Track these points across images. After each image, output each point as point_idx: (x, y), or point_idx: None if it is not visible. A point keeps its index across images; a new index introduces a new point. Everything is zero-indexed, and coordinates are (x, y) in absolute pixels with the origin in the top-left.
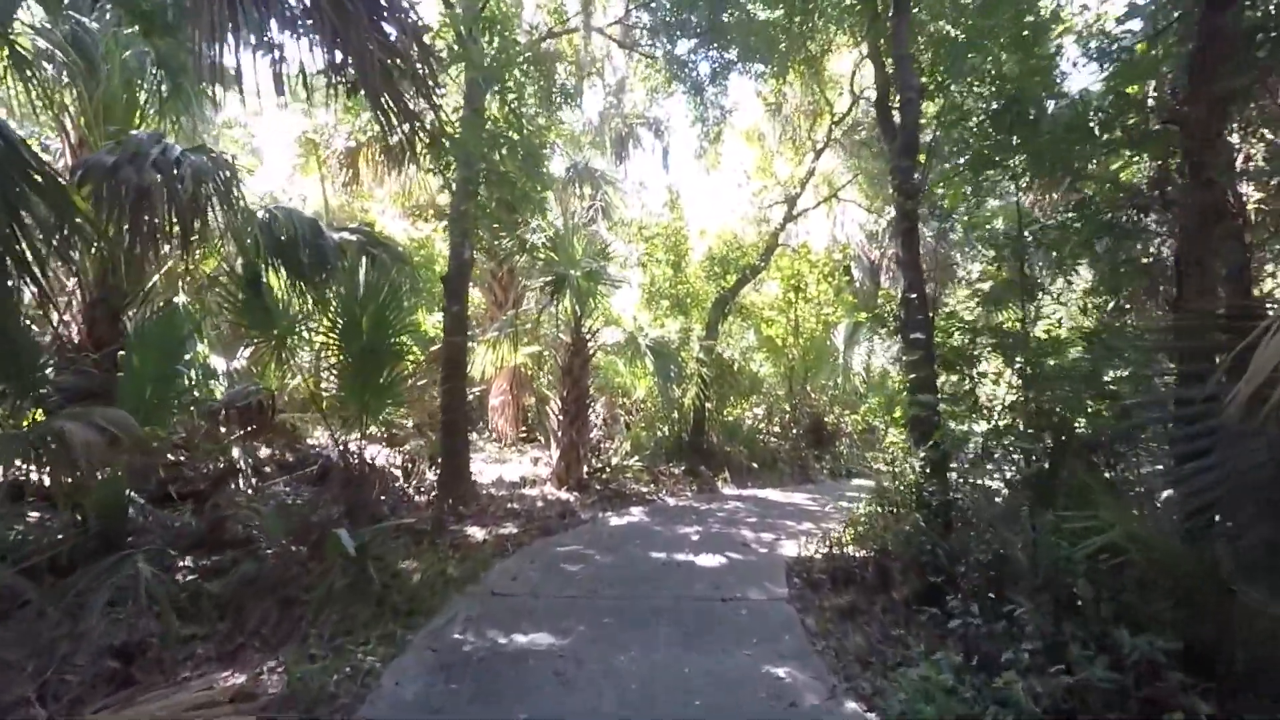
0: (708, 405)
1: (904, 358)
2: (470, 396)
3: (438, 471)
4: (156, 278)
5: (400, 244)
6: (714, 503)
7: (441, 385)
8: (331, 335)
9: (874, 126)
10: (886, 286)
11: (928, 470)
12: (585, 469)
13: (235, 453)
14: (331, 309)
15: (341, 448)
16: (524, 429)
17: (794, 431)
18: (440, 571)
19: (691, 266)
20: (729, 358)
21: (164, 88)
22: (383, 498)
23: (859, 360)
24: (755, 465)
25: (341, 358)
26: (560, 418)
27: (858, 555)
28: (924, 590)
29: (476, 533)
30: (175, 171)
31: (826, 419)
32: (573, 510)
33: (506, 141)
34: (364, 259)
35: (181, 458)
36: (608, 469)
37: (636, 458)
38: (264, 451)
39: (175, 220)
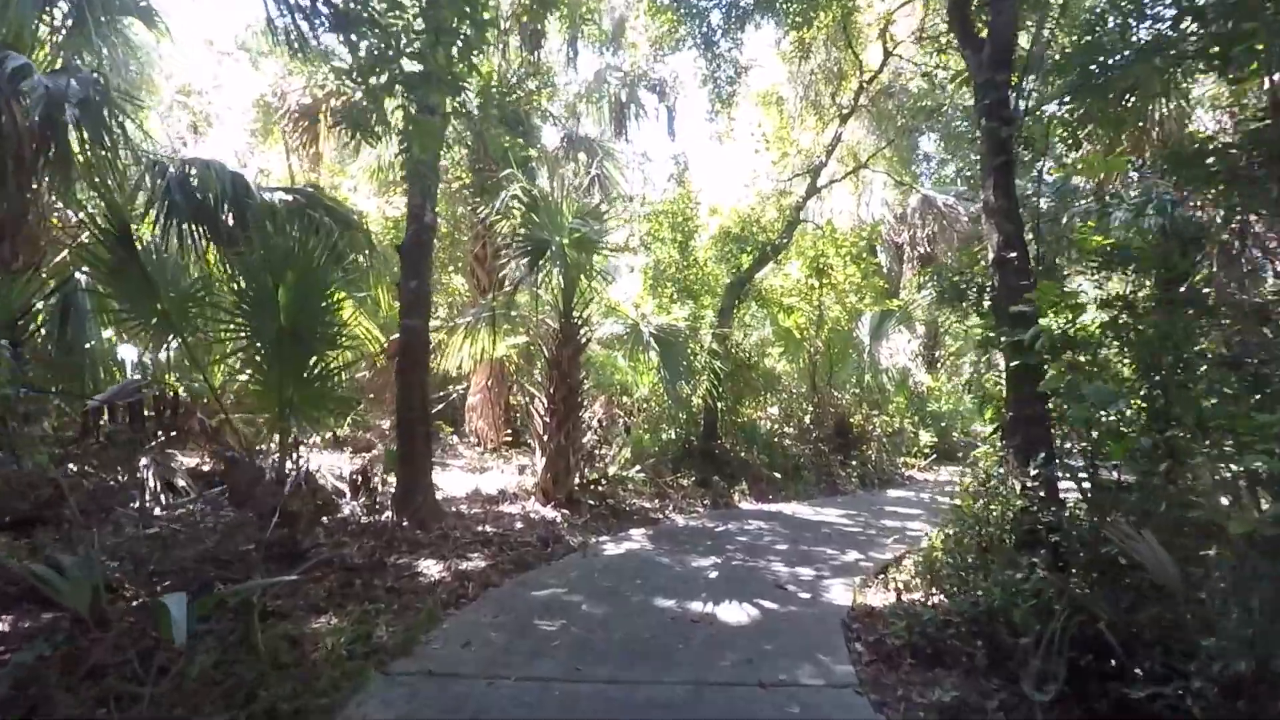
0: (720, 404)
1: (1002, 339)
2: (454, 394)
3: (392, 487)
4: (66, 252)
5: (364, 214)
6: (731, 522)
7: (397, 380)
8: (236, 311)
9: (908, 92)
10: (909, 275)
11: (1041, 494)
12: (577, 480)
13: (143, 461)
14: (238, 276)
15: (240, 457)
16: (509, 432)
17: (815, 434)
18: (364, 636)
19: (701, 248)
20: (745, 349)
21: (65, 17)
22: (325, 520)
23: (886, 355)
24: (776, 474)
25: (251, 341)
26: (546, 420)
27: (938, 606)
28: (1068, 679)
29: (430, 568)
30: (14, 89)
31: (852, 420)
32: (559, 534)
33: (452, 32)
34: (299, 222)
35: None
36: (604, 480)
37: (638, 467)
38: (194, 461)
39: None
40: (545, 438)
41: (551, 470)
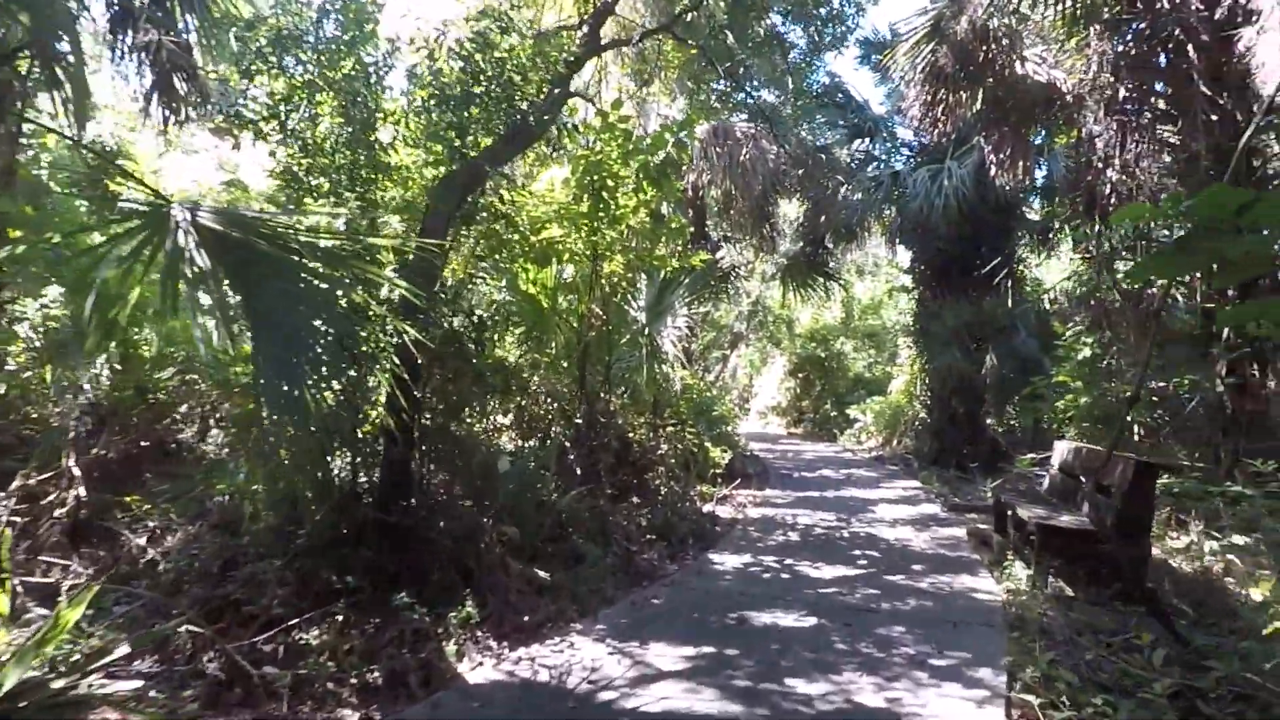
0: (427, 419)
1: None
2: None
3: None
4: None
5: None
6: None
7: None
8: None
9: None
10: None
11: None
12: None
13: None
14: None
15: None
16: None
17: (580, 462)
18: None
19: (388, 111)
20: (477, 311)
21: None
22: None
23: (668, 340)
24: (538, 572)
25: None
26: None
27: None
28: None
29: None
30: None
31: (631, 437)
32: None
33: None
34: None
35: None
36: None
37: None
38: None
39: None
40: None
41: None
